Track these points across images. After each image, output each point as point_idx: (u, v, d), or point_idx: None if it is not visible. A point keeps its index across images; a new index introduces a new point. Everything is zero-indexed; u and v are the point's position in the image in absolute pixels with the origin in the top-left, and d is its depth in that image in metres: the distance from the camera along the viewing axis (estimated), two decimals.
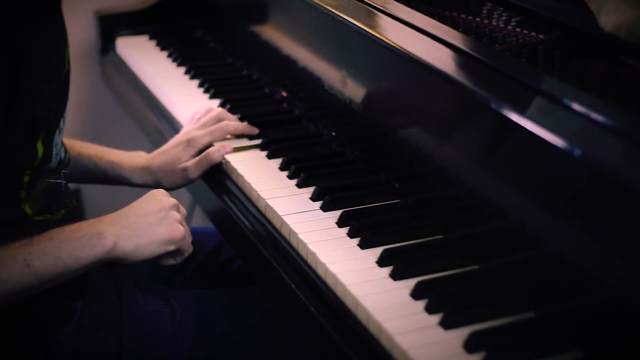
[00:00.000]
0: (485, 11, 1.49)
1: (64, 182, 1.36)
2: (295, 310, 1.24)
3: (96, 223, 1.25)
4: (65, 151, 1.36)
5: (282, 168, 1.46)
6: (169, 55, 1.98)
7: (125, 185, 1.60)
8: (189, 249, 1.32)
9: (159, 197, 1.31)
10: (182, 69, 1.91)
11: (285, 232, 1.29)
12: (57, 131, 1.30)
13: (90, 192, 2.46)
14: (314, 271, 1.21)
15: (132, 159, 1.58)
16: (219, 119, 1.58)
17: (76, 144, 1.56)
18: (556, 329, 1.04)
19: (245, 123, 1.59)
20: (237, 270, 1.65)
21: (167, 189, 1.57)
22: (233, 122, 1.59)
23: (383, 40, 1.34)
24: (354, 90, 1.44)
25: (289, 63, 1.66)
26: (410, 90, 1.34)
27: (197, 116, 1.61)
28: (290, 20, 1.68)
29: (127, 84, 1.98)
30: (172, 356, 1.38)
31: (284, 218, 1.30)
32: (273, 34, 1.75)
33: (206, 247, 1.66)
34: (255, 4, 1.84)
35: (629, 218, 0.95)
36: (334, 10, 1.46)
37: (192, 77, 1.86)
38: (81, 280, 1.30)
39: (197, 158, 1.53)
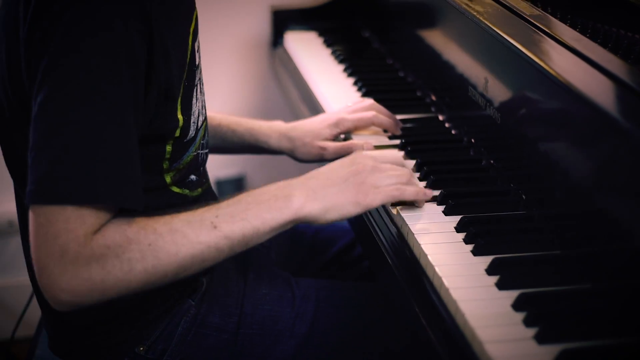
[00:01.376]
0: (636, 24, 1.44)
1: (202, 152, 1.41)
2: (403, 308, 1.25)
3: (284, 186, 1.25)
4: (204, 121, 1.39)
5: (415, 169, 1.47)
6: (333, 53, 2.03)
7: (261, 153, 1.65)
8: (410, 195, 1.29)
9: (357, 160, 1.29)
10: (342, 67, 1.95)
11: (404, 232, 1.30)
12: (195, 101, 1.34)
13: (255, 180, 2.56)
14: (424, 272, 1.22)
15: (270, 124, 1.64)
16: (369, 109, 1.63)
17: (216, 115, 1.64)
18: None
19: (391, 120, 1.62)
20: (366, 268, 1.68)
21: (299, 160, 1.63)
22: (381, 116, 1.62)
23: (529, 57, 1.30)
24: (496, 100, 1.43)
25: (441, 68, 1.67)
26: (552, 109, 1.31)
27: (349, 104, 1.67)
28: (447, 27, 1.69)
29: (289, 77, 2.04)
30: (287, 339, 1.42)
31: (405, 218, 1.31)
32: (433, 39, 1.76)
33: (339, 241, 1.69)
34: (422, 9, 1.85)
35: None
36: (485, 21, 1.44)
37: (349, 75, 1.90)
38: None
39: (339, 144, 1.57)
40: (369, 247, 1.43)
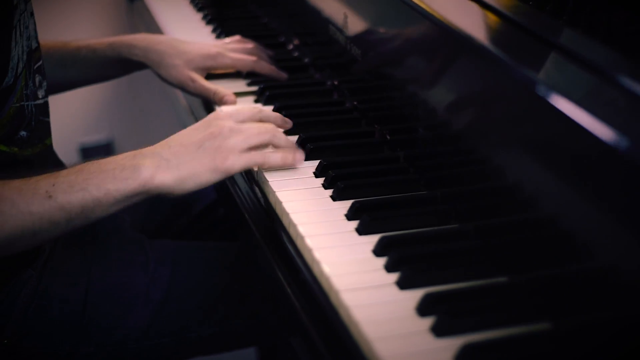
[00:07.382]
0: None
1: (28, 103, 1.26)
2: (263, 266, 1.14)
3: (134, 155, 1.12)
4: (24, 68, 1.25)
5: None
6: (192, 1, 1.90)
7: (124, 74, 1.53)
8: (275, 162, 1.17)
9: (213, 122, 1.16)
10: (200, 15, 1.82)
11: (259, 179, 1.19)
12: (14, 44, 1.19)
13: (125, 147, 2.41)
14: (280, 222, 1.11)
15: (134, 35, 1.50)
16: (251, 52, 1.51)
17: (72, 40, 1.49)
18: (525, 298, 0.91)
19: (273, 67, 1.50)
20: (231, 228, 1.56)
21: (160, 78, 1.49)
22: (263, 62, 1.50)
23: None
24: (355, 37, 1.32)
25: (302, 9, 1.56)
26: (413, 42, 1.20)
27: (227, 41, 1.54)
28: None
29: (146, 30, 1.90)
30: (140, 307, 1.29)
31: None
32: None
33: (202, 201, 1.57)
34: None
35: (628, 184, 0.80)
36: None
37: (208, 23, 1.77)
38: None
39: (207, 85, 1.44)
40: (226, 200, 1.32)
